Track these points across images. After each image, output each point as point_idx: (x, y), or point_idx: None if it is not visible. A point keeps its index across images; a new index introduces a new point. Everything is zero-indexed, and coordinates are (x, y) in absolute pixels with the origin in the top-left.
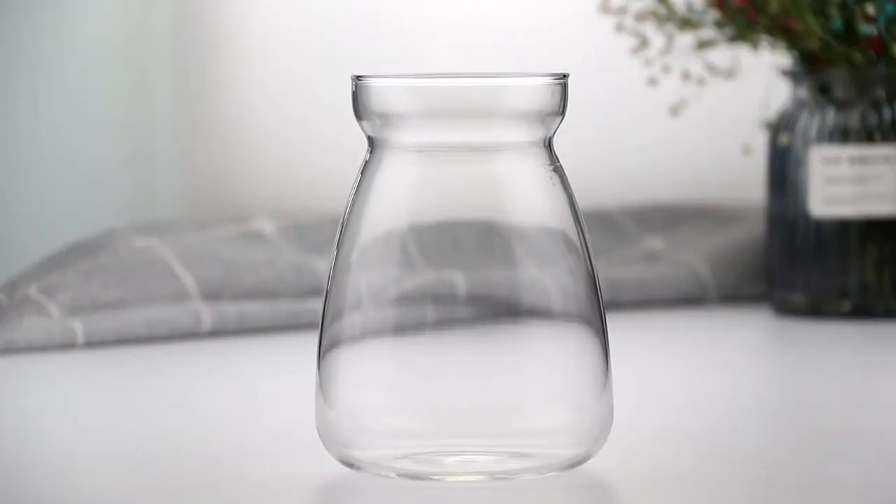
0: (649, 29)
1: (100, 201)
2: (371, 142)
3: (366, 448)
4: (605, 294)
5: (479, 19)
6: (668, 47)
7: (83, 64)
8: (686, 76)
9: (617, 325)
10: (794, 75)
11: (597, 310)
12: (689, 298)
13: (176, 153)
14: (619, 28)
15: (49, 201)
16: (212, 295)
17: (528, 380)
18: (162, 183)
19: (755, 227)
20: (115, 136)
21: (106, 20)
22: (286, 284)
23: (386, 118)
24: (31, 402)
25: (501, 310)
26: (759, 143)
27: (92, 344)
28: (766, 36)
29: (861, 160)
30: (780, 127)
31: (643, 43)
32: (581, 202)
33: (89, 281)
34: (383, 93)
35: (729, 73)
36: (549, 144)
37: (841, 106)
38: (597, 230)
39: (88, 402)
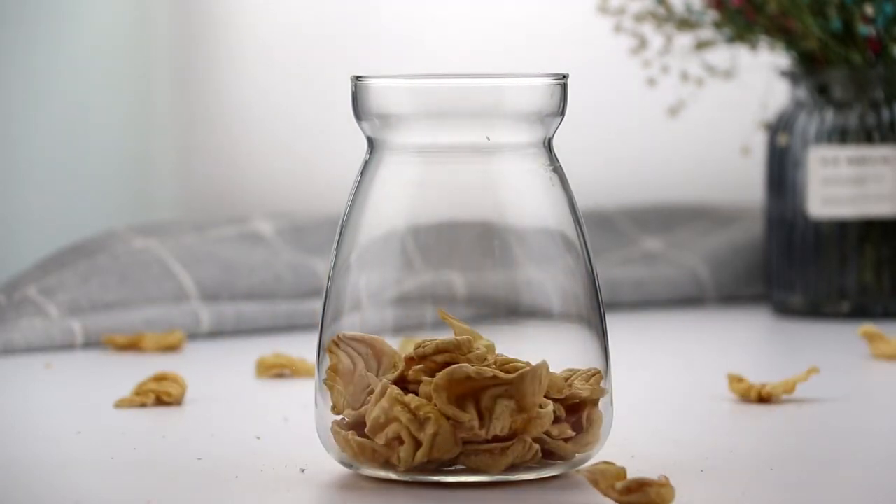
0: (648, 29)
1: (99, 202)
2: (371, 142)
3: None
4: (604, 294)
5: (478, 20)
6: (667, 48)
7: (82, 65)
8: (685, 77)
9: (616, 325)
10: (792, 76)
11: (596, 310)
12: (688, 299)
13: (174, 154)
14: (618, 29)
15: (49, 202)
16: (210, 295)
17: None
18: (161, 184)
19: (754, 228)
20: (114, 137)
21: (106, 21)
22: (284, 285)
23: (385, 119)
24: (31, 402)
25: (501, 310)
26: (758, 143)
27: (90, 344)
28: (765, 36)
29: (860, 161)
30: (779, 127)
31: (642, 43)
32: (579, 203)
33: (88, 281)
34: (383, 93)
35: (727, 74)
36: (548, 145)
37: (839, 106)
38: (595, 231)
39: (87, 402)
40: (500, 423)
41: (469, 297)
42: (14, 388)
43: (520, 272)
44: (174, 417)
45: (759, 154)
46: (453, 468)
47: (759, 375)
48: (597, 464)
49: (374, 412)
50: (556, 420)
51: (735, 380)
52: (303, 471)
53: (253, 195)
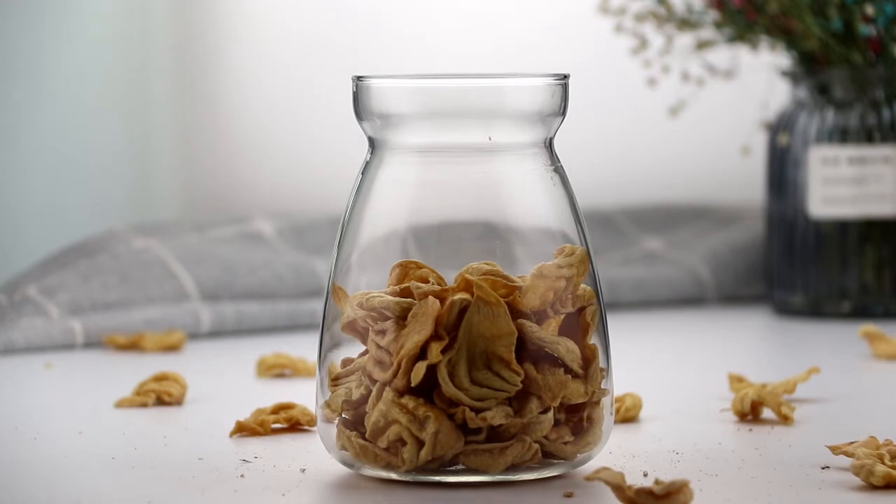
0: (649, 29)
1: (100, 201)
2: (371, 142)
3: None
4: (605, 294)
5: (479, 20)
6: (668, 48)
7: (83, 64)
8: (685, 77)
9: (616, 325)
10: (793, 76)
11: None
12: (689, 299)
13: (175, 154)
14: (619, 29)
15: (49, 201)
16: (211, 295)
17: None
18: (161, 183)
19: (754, 228)
20: (114, 137)
21: (106, 20)
22: (285, 285)
23: (386, 119)
24: (32, 402)
25: None
26: (759, 143)
27: (91, 344)
28: (766, 36)
29: (860, 161)
30: (780, 127)
31: (642, 43)
32: (580, 202)
33: (88, 281)
34: (384, 93)
35: (728, 74)
36: (549, 145)
37: (840, 106)
38: (596, 230)
39: (87, 402)
40: (493, 415)
41: None
42: (14, 388)
43: (521, 272)
44: (175, 417)
45: (759, 154)
46: (454, 468)
47: (759, 375)
48: (609, 469)
49: (372, 416)
50: (557, 424)
51: (735, 380)
52: (303, 471)
53: (253, 195)
